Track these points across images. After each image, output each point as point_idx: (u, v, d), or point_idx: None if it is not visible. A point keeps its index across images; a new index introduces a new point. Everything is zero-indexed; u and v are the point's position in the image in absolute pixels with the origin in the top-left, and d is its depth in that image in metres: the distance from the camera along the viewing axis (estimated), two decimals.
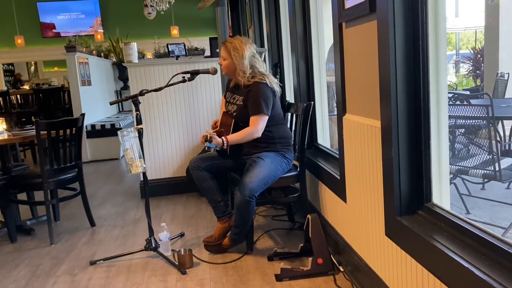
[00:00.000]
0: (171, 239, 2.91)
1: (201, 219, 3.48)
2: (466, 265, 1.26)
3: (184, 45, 4.29)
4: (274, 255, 2.64)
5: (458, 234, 1.43)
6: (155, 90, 2.75)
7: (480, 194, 3.47)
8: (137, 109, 2.66)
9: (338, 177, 2.38)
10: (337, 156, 2.45)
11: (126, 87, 8.60)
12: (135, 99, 2.66)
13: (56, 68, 13.57)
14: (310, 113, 2.79)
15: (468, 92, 6.11)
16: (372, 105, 1.84)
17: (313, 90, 3.19)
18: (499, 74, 5.72)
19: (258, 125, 2.64)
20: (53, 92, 7.69)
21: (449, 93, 4.02)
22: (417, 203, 1.68)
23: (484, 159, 2.97)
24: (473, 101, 4.11)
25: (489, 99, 3.36)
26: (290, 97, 3.88)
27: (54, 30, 10.71)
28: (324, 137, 3.26)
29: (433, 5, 1.57)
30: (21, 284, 2.56)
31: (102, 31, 10.07)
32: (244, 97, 2.71)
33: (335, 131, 2.54)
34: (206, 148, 2.53)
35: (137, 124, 2.65)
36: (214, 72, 2.84)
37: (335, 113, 2.38)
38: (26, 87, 9.91)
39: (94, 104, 6.94)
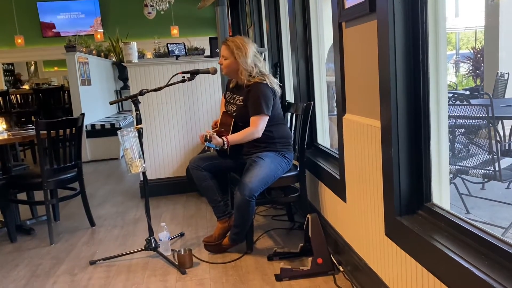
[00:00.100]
0: (171, 239, 2.91)
1: (201, 219, 3.48)
2: (466, 265, 1.26)
3: (184, 45, 4.29)
4: (274, 255, 2.64)
5: (458, 234, 1.43)
6: (155, 90, 2.75)
7: (480, 194, 3.47)
8: (137, 109, 2.66)
9: (338, 177, 2.38)
10: (337, 156, 2.45)
11: (126, 86, 8.60)
12: (135, 99, 2.66)
13: (56, 68, 13.57)
14: (310, 113, 2.79)
15: (468, 92, 6.11)
16: (372, 105, 1.84)
17: (313, 90, 3.19)
18: (499, 74, 5.72)
19: (258, 126, 2.64)
20: (53, 92, 7.68)
21: (449, 93, 4.02)
22: (417, 203, 1.68)
23: (484, 159, 2.97)
24: (473, 101, 4.11)
25: (489, 99, 3.36)
26: (290, 97, 3.88)
27: (54, 30, 10.70)
28: (324, 137, 3.26)
29: (433, 4, 1.57)
30: (21, 284, 2.56)
31: (102, 30, 10.07)
32: (244, 97, 2.71)
33: (335, 131, 2.54)
34: (206, 148, 2.53)
35: (137, 124, 2.65)
36: (214, 72, 2.84)
37: (335, 113, 2.38)
38: (26, 86, 9.91)
39: (94, 104, 6.94)
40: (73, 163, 3.27)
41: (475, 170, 2.90)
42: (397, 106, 1.63)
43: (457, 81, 9.94)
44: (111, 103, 2.94)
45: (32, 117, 7.34)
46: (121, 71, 8.55)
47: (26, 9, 10.29)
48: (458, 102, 3.86)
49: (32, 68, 14.05)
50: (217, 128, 2.83)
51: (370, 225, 1.98)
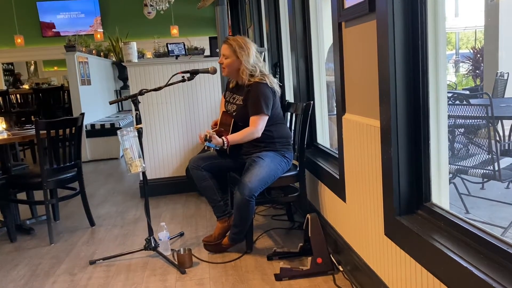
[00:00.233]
0: (170, 239, 2.91)
1: (200, 218, 3.48)
2: (465, 264, 1.27)
3: (184, 45, 4.29)
4: (274, 254, 2.64)
5: (458, 233, 1.43)
6: (155, 90, 2.75)
7: (479, 193, 3.47)
8: (137, 109, 2.66)
9: (338, 177, 2.38)
10: (337, 156, 2.45)
11: (125, 86, 8.60)
12: (134, 99, 2.66)
13: (55, 68, 13.55)
14: (310, 112, 2.79)
15: (467, 92, 6.12)
16: (371, 105, 1.84)
17: (312, 90, 3.20)
18: (499, 74, 5.72)
19: (258, 125, 2.64)
20: (52, 91, 7.68)
21: (448, 92, 4.02)
22: (416, 203, 1.68)
23: (484, 159, 2.97)
24: (472, 101, 4.11)
25: (489, 98, 3.36)
26: (289, 97, 3.88)
27: (53, 30, 10.69)
28: (324, 137, 3.26)
29: (433, 4, 1.57)
30: (20, 283, 2.56)
31: (102, 30, 10.07)
32: (244, 97, 2.71)
33: (334, 130, 2.54)
34: (206, 148, 2.53)
35: (137, 124, 2.65)
36: (214, 71, 2.84)
37: (335, 112, 2.38)
38: (26, 86, 9.90)
39: (93, 103, 6.94)
40: (72, 162, 3.27)
41: (475, 170, 2.91)
42: (396, 106, 1.63)
43: (457, 81, 9.95)
44: (110, 103, 2.94)
45: (32, 116, 7.34)
46: (121, 71, 8.55)
47: (25, 8, 10.29)
48: (457, 102, 3.86)
49: (32, 67, 14.04)
50: (217, 128, 2.83)
51: (370, 224, 1.98)
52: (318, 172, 2.81)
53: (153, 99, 3.99)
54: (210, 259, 2.69)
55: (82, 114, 3.35)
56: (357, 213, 2.14)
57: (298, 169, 2.83)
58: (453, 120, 3.15)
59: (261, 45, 5.14)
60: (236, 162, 2.80)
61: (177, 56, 4.18)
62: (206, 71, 2.82)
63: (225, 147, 2.61)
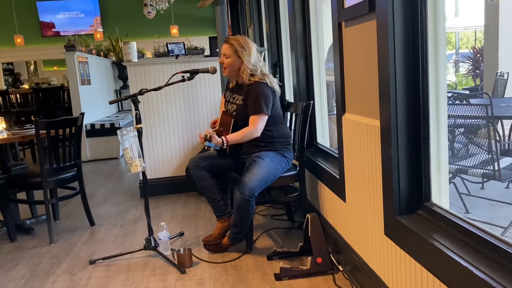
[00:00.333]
0: (170, 238, 2.91)
1: (200, 218, 3.48)
2: (465, 264, 1.27)
3: (184, 44, 4.29)
4: (274, 254, 2.64)
5: (457, 233, 1.43)
6: (155, 90, 2.75)
7: (479, 193, 3.47)
8: (137, 108, 2.65)
9: (338, 177, 2.38)
10: (337, 156, 2.45)
11: (125, 86, 8.59)
12: (134, 98, 2.66)
13: (55, 67, 13.54)
14: (310, 112, 2.79)
15: (467, 92, 6.12)
16: (371, 105, 1.84)
17: (312, 90, 3.20)
18: (499, 74, 5.72)
19: (257, 125, 2.64)
20: (52, 91, 7.68)
21: (448, 92, 4.02)
22: (416, 203, 1.68)
23: (484, 159, 2.97)
24: (472, 101, 4.11)
25: (489, 98, 3.36)
26: (289, 97, 3.87)
27: (53, 29, 10.69)
28: (324, 137, 3.26)
29: (433, 4, 1.57)
30: (20, 283, 2.56)
31: (102, 30, 10.06)
32: (244, 97, 2.71)
33: (334, 130, 2.54)
34: (206, 147, 2.53)
35: (137, 124, 2.65)
36: (214, 71, 2.84)
37: (335, 112, 2.38)
38: (26, 86, 9.90)
39: (93, 103, 6.94)
40: (72, 162, 3.27)
41: (475, 170, 2.91)
42: (396, 106, 1.63)
43: (457, 81, 9.95)
44: (110, 103, 2.94)
45: (32, 116, 7.34)
46: (120, 71, 8.55)
47: (25, 8, 10.28)
48: (457, 102, 3.86)
49: (32, 67, 14.03)
50: (217, 127, 2.83)
51: (370, 224, 1.98)
52: (318, 172, 2.81)
53: (153, 99, 3.99)
54: (210, 259, 2.69)
55: (82, 114, 3.35)
56: (357, 213, 2.14)
57: (298, 169, 2.83)
58: (453, 120, 3.15)
59: (261, 44, 5.14)
60: (236, 161, 2.80)
61: (177, 56, 4.18)
62: (206, 71, 2.81)
63: (225, 147, 2.61)
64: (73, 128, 3.23)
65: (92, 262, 2.75)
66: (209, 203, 2.86)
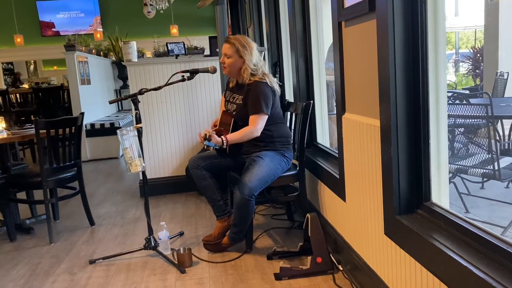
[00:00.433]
0: (170, 238, 2.91)
1: (200, 218, 3.48)
2: (465, 264, 1.27)
3: (184, 44, 4.29)
4: (274, 254, 2.64)
5: (457, 233, 1.43)
6: (155, 89, 2.75)
7: (479, 193, 3.47)
8: (137, 108, 2.65)
9: (338, 176, 2.38)
10: (337, 155, 2.45)
11: (125, 86, 8.59)
12: (134, 98, 2.66)
13: (55, 67, 13.55)
14: (310, 112, 2.79)
15: (467, 91, 6.11)
16: (371, 104, 1.84)
17: (312, 89, 3.19)
18: (499, 73, 5.72)
19: (257, 125, 2.64)
20: (52, 91, 7.68)
21: (448, 92, 4.02)
22: (416, 202, 1.68)
23: (484, 158, 2.97)
24: (472, 100, 4.11)
25: (489, 98, 3.36)
26: (289, 96, 3.87)
27: (53, 29, 10.69)
28: (324, 136, 3.26)
29: (433, 4, 1.57)
30: (20, 282, 2.56)
31: (102, 30, 10.06)
32: (244, 96, 2.70)
33: (334, 130, 2.54)
34: (205, 147, 2.53)
35: (137, 123, 2.65)
36: (214, 71, 2.84)
37: (335, 112, 2.38)
38: (26, 86, 9.90)
39: (93, 103, 6.94)
40: (72, 162, 3.27)
41: (475, 169, 2.91)
42: (396, 106, 1.63)
43: (457, 81, 9.95)
44: (110, 102, 2.94)
45: (32, 116, 7.34)
46: (120, 70, 8.54)
47: (25, 8, 10.28)
48: (457, 102, 3.86)
49: (32, 67, 14.03)
50: (217, 127, 2.83)
51: (370, 224, 1.98)
52: (318, 172, 2.81)
53: (153, 99, 3.99)
54: (210, 259, 2.69)
55: (82, 114, 3.35)
56: (357, 213, 2.14)
57: (298, 168, 2.83)
58: (453, 120, 3.15)
59: (261, 44, 5.13)
60: (236, 161, 2.80)
61: (177, 56, 4.18)
62: (206, 71, 2.81)
63: (225, 146, 2.60)
64: (73, 127, 3.23)
65: (92, 262, 2.75)
66: (209, 203, 2.86)
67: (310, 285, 2.29)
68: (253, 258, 2.66)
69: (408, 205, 1.69)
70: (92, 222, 3.47)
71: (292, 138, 2.90)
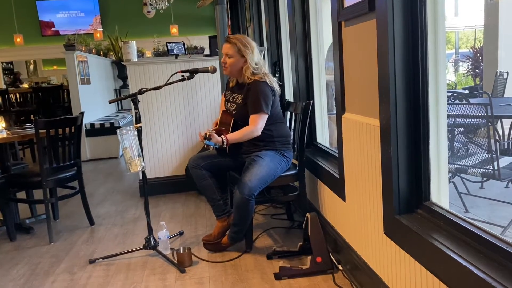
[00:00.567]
0: (170, 238, 2.91)
1: (200, 217, 3.48)
2: (465, 263, 1.27)
3: (184, 44, 4.29)
4: (273, 253, 2.64)
5: (457, 233, 1.43)
6: (154, 89, 2.75)
7: (479, 193, 3.47)
8: (136, 108, 2.65)
9: (337, 176, 2.38)
10: (336, 155, 2.45)
11: (125, 85, 8.59)
12: (134, 98, 2.66)
13: (55, 67, 13.55)
14: (309, 112, 2.79)
15: (467, 91, 6.11)
16: (371, 104, 1.84)
17: (312, 89, 3.19)
18: (498, 73, 5.72)
19: (257, 124, 2.64)
20: (52, 90, 7.68)
21: (448, 92, 4.02)
22: (416, 202, 1.68)
23: (483, 158, 2.97)
24: (472, 100, 4.11)
25: (488, 98, 3.36)
26: (289, 96, 3.87)
27: (53, 29, 10.69)
28: (323, 136, 3.26)
29: (432, 4, 1.57)
30: (20, 282, 2.56)
31: (102, 29, 10.06)
32: (243, 96, 2.70)
33: (334, 129, 2.54)
34: (205, 146, 2.53)
35: (136, 123, 2.65)
36: (213, 70, 2.84)
37: (334, 111, 2.38)
38: (25, 85, 9.90)
39: (93, 102, 6.94)
40: (72, 162, 3.27)
41: (474, 169, 2.91)
42: (396, 105, 1.63)
43: (457, 80, 9.94)
44: (110, 102, 2.93)
45: (32, 115, 7.34)
46: (120, 70, 8.54)
47: (25, 7, 10.28)
48: (457, 101, 3.86)
49: (32, 67, 14.03)
50: (217, 126, 2.83)
51: (369, 224, 1.98)
52: (317, 171, 2.81)
53: (152, 98, 3.99)
54: (210, 258, 2.69)
55: (82, 113, 3.35)
56: (356, 212, 2.14)
57: (297, 168, 2.83)
58: (453, 120, 3.15)
59: (261, 44, 5.13)
60: (236, 161, 2.80)
61: (176, 55, 4.18)
62: (205, 70, 2.81)
63: (225, 146, 2.61)
64: (73, 127, 3.23)
65: (91, 262, 2.75)
66: (208, 203, 2.86)
67: (309, 285, 2.29)
68: (253, 257, 2.66)
69: (407, 204, 1.69)
70: (92, 222, 3.47)
71: (292, 137, 2.90)
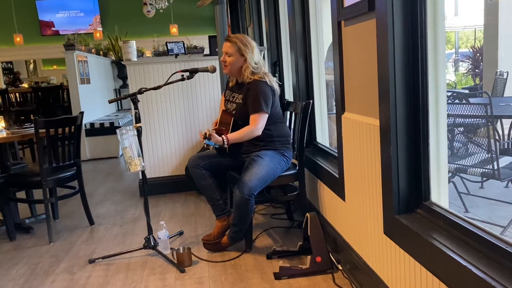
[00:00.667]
0: (170, 238, 2.91)
1: (200, 217, 3.48)
2: (464, 263, 1.27)
3: (183, 44, 4.29)
4: (273, 253, 2.64)
5: (457, 232, 1.43)
6: (154, 89, 2.75)
7: (478, 192, 3.47)
8: (136, 108, 2.65)
9: (337, 176, 2.38)
10: (336, 155, 2.45)
11: (125, 85, 8.59)
12: (134, 98, 2.66)
13: (55, 67, 13.55)
14: (309, 111, 2.78)
15: (467, 91, 6.11)
16: (371, 104, 1.84)
17: (312, 89, 3.19)
18: (498, 73, 5.72)
19: (258, 124, 2.63)
20: (52, 90, 7.68)
21: (448, 91, 4.02)
22: (415, 202, 1.68)
23: (483, 158, 2.97)
24: (472, 100, 4.10)
25: (488, 97, 3.35)
26: (289, 96, 3.87)
27: (53, 28, 10.68)
28: (323, 136, 3.26)
29: (432, 3, 1.57)
30: (20, 282, 2.56)
31: (101, 29, 10.06)
32: (243, 96, 2.70)
33: (334, 129, 2.54)
34: (205, 146, 2.53)
35: (136, 123, 2.65)
36: (213, 70, 2.84)
37: (334, 111, 2.38)
38: (25, 85, 9.90)
39: (93, 102, 6.93)
40: (72, 161, 3.26)
41: (474, 169, 2.91)
42: (396, 105, 1.63)
43: (456, 80, 9.94)
44: (110, 102, 2.93)
45: (31, 115, 7.34)
46: (120, 70, 8.54)
47: (25, 7, 10.27)
48: (457, 101, 3.85)
49: (31, 66, 14.03)
50: (217, 126, 2.83)
51: (369, 223, 1.98)
52: (317, 171, 2.81)
53: (152, 98, 3.99)
54: (210, 258, 2.69)
55: (82, 113, 3.35)
56: (356, 212, 2.14)
57: (297, 168, 2.83)
58: (453, 119, 3.15)
59: (261, 44, 5.13)
60: (236, 161, 2.80)
61: (176, 55, 4.18)
62: (205, 70, 2.81)
63: (225, 146, 2.60)
64: (73, 127, 3.22)
65: (91, 261, 2.75)
66: (208, 202, 2.86)
67: (309, 285, 2.29)
68: (253, 257, 2.66)
69: (407, 204, 1.69)
70: (91, 222, 3.47)
71: (291, 137, 2.90)
